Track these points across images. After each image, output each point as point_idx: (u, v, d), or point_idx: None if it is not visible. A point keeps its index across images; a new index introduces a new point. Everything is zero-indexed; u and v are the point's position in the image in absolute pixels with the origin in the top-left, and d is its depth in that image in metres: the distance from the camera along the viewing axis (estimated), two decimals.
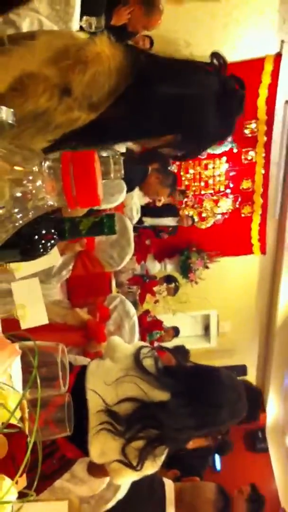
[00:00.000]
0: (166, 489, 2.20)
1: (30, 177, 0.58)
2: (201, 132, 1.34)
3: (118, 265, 2.98)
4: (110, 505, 1.87)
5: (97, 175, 0.63)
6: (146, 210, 4.21)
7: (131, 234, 2.93)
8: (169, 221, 5.30)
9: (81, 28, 2.77)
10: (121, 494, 1.88)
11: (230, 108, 1.30)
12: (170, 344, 6.03)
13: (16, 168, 0.58)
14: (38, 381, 0.84)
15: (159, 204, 4.18)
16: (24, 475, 0.74)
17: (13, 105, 1.12)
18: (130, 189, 3.37)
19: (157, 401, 1.56)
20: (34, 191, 0.58)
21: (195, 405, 1.58)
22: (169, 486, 2.23)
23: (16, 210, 0.57)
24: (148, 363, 1.64)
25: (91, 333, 2.62)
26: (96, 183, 0.62)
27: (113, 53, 1.20)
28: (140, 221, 4.34)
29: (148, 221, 5.02)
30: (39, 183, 0.59)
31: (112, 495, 1.86)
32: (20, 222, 0.59)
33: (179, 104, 1.26)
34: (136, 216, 3.71)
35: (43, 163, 0.61)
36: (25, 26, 1.88)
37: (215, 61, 1.29)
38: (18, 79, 1.12)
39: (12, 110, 0.79)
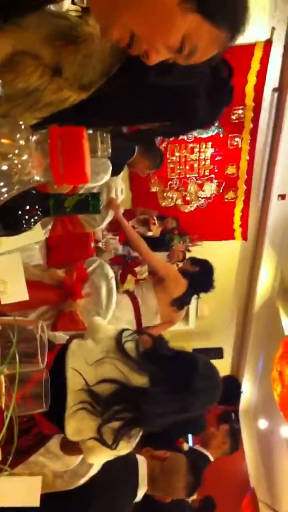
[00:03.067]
0: (139, 466, 2.24)
1: (17, 151, 0.58)
2: (190, 120, 1.34)
3: (98, 225, 2.96)
4: (83, 480, 1.89)
5: (85, 152, 0.62)
6: None
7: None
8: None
9: (73, 2, 2.72)
10: (94, 470, 1.90)
11: (220, 98, 1.30)
12: None
13: (3, 140, 0.57)
14: (17, 359, 0.84)
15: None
16: (0, 450, 0.74)
17: (3, 81, 1.11)
18: (117, 172, 3.36)
19: (136, 385, 1.58)
20: (20, 166, 0.58)
21: (173, 391, 1.60)
22: (142, 463, 2.27)
23: (1, 184, 0.56)
24: (129, 346, 1.65)
25: (67, 290, 2.60)
26: (84, 160, 0.62)
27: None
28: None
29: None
30: (25, 157, 0.58)
31: (86, 470, 1.88)
32: (5, 196, 0.59)
33: (170, 93, 1.25)
34: (121, 197, 3.69)
35: (30, 137, 0.60)
36: None
37: None
38: (10, 56, 1.10)
39: (0, 80, 0.78)
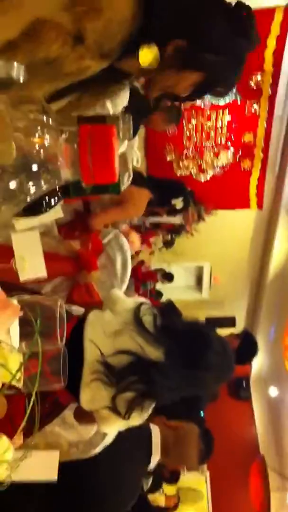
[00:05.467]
0: (152, 435, 2.29)
1: (46, 150, 0.57)
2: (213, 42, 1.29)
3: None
4: (98, 450, 1.94)
5: (115, 151, 0.62)
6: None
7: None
8: (174, 219, 5.18)
9: None
10: (109, 439, 1.94)
11: (242, 24, 1.28)
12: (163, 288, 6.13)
13: (33, 139, 0.57)
14: (39, 340, 0.86)
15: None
16: (21, 434, 0.76)
17: (24, 52, 1.10)
18: (133, 133, 3.31)
19: (151, 358, 1.60)
20: (49, 165, 0.58)
21: (186, 366, 1.62)
22: (155, 431, 2.31)
23: (30, 184, 0.56)
24: (147, 319, 1.67)
25: (82, 262, 2.60)
26: (113, 159, 0.61)
27: (127, 1, 1.17)
28: None
29: (152, 220, 4.97)
30: (55, 156, 0.58)
31: (100, 440, 1.93)
32: (33, 195, 0.59)
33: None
34: (137, 165, 3.66)
35: (60, 136, 0.60)
36: None
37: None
38: (31, 24, 1.09)
39: (23, 66, 0.77)
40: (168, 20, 1.23)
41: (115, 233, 2.91)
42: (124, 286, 2.75)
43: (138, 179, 3.29)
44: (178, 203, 4.05)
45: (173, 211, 4.29)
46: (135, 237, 3.85)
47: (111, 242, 2.82)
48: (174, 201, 4.02)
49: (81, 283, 2.57)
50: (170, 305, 4.41)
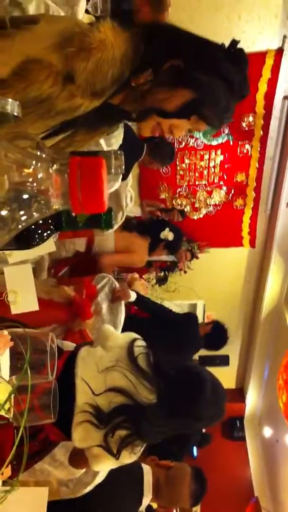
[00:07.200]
0: (144, 474, 2.25)
1: (37, 181, 0.59)
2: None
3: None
4: (88, 489, 1.90)
5: (104, 182, 0.63)
6: None
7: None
8: (167, 257, 5.24)
9: (87, 11, 2.74)
10: (99, 478, 1.91)
11: (236, 53, 1.33)
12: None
13: (24, 170, 0.59)
14: (29, 372, 0.85)
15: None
16: (10, 467, 0.75)
17: (15, 90, 1.12)
18: (126, 174, 3.37)
19: (143, 400, 1.59)
20: (39, 195, 0.59)
21: (177, 414, 1.62)
22: (147, 471, 2.27)
23: (21, 213, 0.58)
24: (140, 357, 1.66)
25: (76, 310, 2.61)
26: (102, 190, 0.63)
27: (117, 40, 1.21)
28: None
29: None
30: (45, 186, 0.59)
31: (91, 479, 1.89)
32: (24, 224, 0.60)
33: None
34: (130, 204, 3.71)
35: (50, 167, 0.61)
36: (31, 8, 1.86)
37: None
38: (22, 64, 1.11)
39: (17, 102, 0.80)
40: (161, 50, 1.28)
41: (109, 279, 2.94)
42: (119, 331, 2.75)
43: (127, 225, 3.40)
44: (168, 234, 4.11)
45: (170, 245, 4.34)
46: (140, 286, 3.87)
47: (105, 288, 2.84)
48: (163, 235, 4.08)
49: (75, 330, 2.58)
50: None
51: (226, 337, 4.30)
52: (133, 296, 3.11)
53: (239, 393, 7.61)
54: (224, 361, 6.69)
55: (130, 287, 3.68)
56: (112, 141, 2.72)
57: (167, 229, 4.24)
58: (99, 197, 0.63)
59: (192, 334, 3.91)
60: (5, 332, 0.92)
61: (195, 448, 5.90)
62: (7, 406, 0.80)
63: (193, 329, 3.95)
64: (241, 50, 1.34)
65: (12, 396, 1.06)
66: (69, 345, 1.96)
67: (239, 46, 1.34)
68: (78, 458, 1.70)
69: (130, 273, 4.17)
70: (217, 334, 4.24)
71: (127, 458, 1.60)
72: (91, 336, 2.58)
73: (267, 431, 6.93)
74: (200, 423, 1.70)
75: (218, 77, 1.30)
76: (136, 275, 3.99)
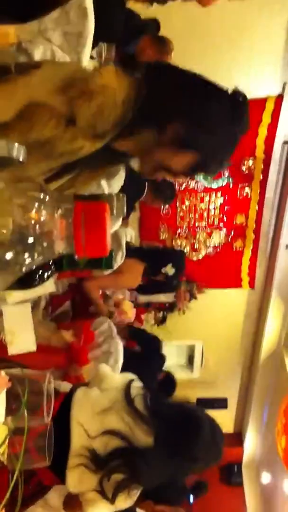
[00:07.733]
0: None
1: (42, 224, 0.60)
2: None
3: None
4: None
5: (107, 227, 0.65)
6: (141, 287, 4.13)
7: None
8: (166, 297, 5.28)
9: (92, 57, 2.83)
10: None
11: (239, 110, 1.33)
12: None
13: (29, 214, 0.60)
14: (26, 414, 0.85)
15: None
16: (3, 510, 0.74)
17: (18, 133, 1.15)
18: (126, 215, 3.40)
19: (139, 444, 1.57)
20: (44, 238, 0.60)
21: (174, 457, 1.60)
22: None
23: (25, 256, 0.59)
24: (137, 399, 1.64)
25: (74, 356, 2.60)
26: (105, 235, 0.64)
27: (119, 85, 1.23)
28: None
29: (143, 298, 5.04)
30: (50, 230, 0.61)
31: None
32: (28, 266, 0.61)
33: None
34: (131, 242, 3.73)
35: (56, 211, 0.63)
36: (38, 54, 1.92)
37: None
38: (24, 107, 1.14)
39: (23, 147, 0.81)
40: (164, 103, 1.27)
41: (108, 323, 2.94)
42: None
43: (128, 250, 3.37)
44: (170, 269, 4.10)
45: (169, 280, 4.33)
46: (128, 306, 3.84)
47: (104, 333, 2.83)
48: (164, 270, 4.07)
49: (71, 375, 2.56)
50: (169, 377, 4.37)
51: (172, 391, 4.25)
52: (129, 315, 3.11)
53: (237, 438, 7.46)
54: (222, 404, 6.60)
55: (117, 308, 3.67)
56: (113, 182, 2.76)
57: (169, 265, 4.23)
58: (102, 242, 0.64)
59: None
60: (3, 373, 0.91)
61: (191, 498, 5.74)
62: (2, 448, 0.79)
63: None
64: (244, 98, 1.35)
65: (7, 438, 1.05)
66: (66, 386, 1.94)
67: (240, 90, 1.36)
68: (73, 502, 1.66)
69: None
70: (165, 385, 4.23)
71: (123, 502, 1.57)
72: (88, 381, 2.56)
73: (266, 477, 6.76)
74: (197, 465, 1.66)
75: (221, 136, 1.32)
76: (121, 297, 3.95)
